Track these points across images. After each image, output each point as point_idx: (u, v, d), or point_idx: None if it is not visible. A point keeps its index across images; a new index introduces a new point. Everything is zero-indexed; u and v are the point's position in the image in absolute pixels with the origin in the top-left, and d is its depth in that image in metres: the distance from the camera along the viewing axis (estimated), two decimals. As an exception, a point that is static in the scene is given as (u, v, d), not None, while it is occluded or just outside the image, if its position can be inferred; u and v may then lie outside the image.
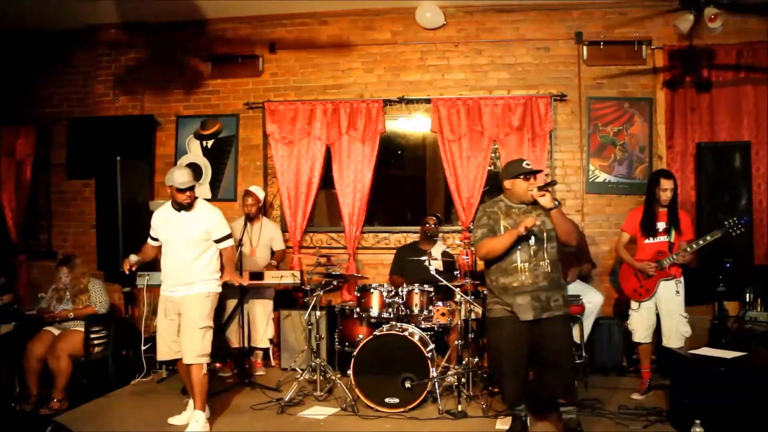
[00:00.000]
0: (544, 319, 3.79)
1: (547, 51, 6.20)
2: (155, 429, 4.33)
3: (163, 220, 4.44)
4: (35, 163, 6.87)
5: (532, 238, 3.83)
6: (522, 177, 3.88)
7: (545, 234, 3.86)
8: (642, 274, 4.79)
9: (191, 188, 4.32)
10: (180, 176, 4.26)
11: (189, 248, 4.31)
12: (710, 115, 5.88)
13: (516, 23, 6.23)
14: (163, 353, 4.39)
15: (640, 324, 4.87)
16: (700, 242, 4.65)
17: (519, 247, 3.82)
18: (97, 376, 5.20)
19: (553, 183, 3.92)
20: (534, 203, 3.85)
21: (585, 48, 6.11)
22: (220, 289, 4.47)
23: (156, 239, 4.50)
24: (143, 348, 5.53)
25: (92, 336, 5.21)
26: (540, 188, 3.79)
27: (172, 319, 4.31)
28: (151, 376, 5.58)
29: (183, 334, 4.26)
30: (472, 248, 4.19)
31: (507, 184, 3.97)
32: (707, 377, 3.81)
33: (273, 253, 5.95)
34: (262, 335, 5.78)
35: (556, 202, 3.80)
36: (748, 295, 5.32)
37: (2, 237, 6.83)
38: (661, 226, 4.79)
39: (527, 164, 3.91)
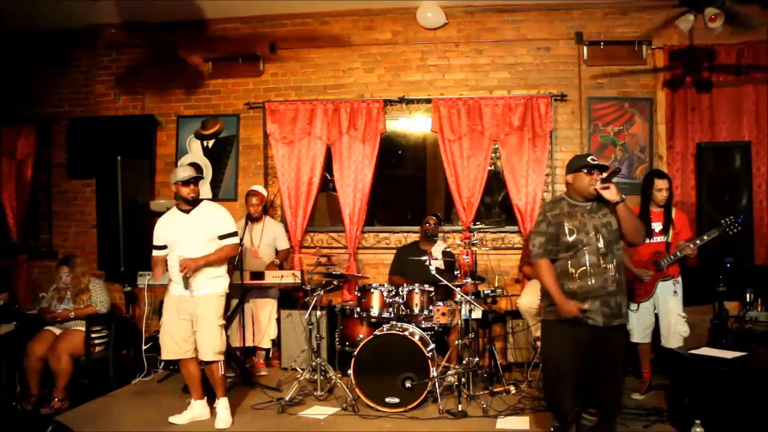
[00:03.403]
0: (611, 326, 3.57)
1: (547, 51, 6.20)
2: (156, 429, 4.34)
3: (169, 224, 4.46)
4: (36, 162, 6.87)
5: (601, 240, 3.58)
6: (585, 171, 3.62)
7: (612, 235, 3.61)
8: (638, 279, 4.80)
9: (194, 181, 4.37)
10: (182, 171, 4.40)
11: (199, 249, 4.32)
12: (711, 115, 5.88)
13: (516, 23, 6.23)
14: (171, 352, 4.41)
15: (638, 325, 4.87)
16: (698, 242, 4.66)
17: (588, 249, 3.57)
18: (98, 376, 5.20)
19: (617, 171, 3.63)
20: (598, 200, 3.62)
21: (585, 48, 6.11)
22: (227, 289, 4.55)
23: (162, 247, 4.48)
24: (144, 348, 5.55)
25: (93, 336, 5.21)
26: (603, 180, 3.55)
27: (185, 319, 4.34)
28: (152, 375, 5.59)
29: (200, 333, 4.32)
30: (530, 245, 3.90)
31: (569, 178, 3.72)
32: (707, 377, 3.81)
33: (277, 252, 5.96)
34: (265, 335, 5.79)
35: (622, 196, 3.55)
36: (748, 295, 5.31)
37: (3, 237, 6.83)
38: (657, 226, 4.80)
39: (592, 159, 3.64)
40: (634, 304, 4.86)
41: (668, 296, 4.76)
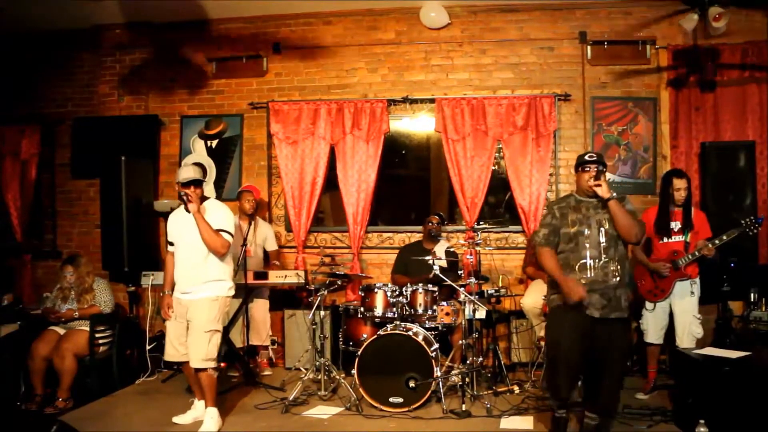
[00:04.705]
0: (611, 319, 3.65)
1: (551, 51, 6.19)
2: (160, 428, 4.34)
3: (176, 221, 4.43)
4: (40, 162, 6.87)
5: (603, 234, 3.68)
6: (584, 169, 3.77)
7: (617, 231, 3.69)
8: (657, 274, 4.78)
9: (194, 183, 4.24)
10: (183, 172, 4.28)
11: (198, 249, 4.26)
12: (715, 115, 5.87)
13: (520, 23, 6.22)
14: (169, 354, 4.39)
15: (653, 325, 4.85)
16: (716, 242, 4.62)
17: (588, 243, 3.68)
18: (102, 376, 5.22)
19: (601, 171, 3.72)
20: (598, 196, 3.71)
21: (589, 48, 6.10)
22: (231, 293, 4.42)
23: (172, 243, 4.45)
24: (148, 347, 5.58)
25: (97, 335, 5.22)
26: (594, 178, 3.67)
27: (181, 322, 4.30)
28: (156, 375, 5.61)
29: (189, 337, 4.24)
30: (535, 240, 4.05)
31: (576, 177, 3.90)
32: (712, 377, 3.81)
33: (266, 253, 5.97)
34: (264, 334, 5.79)
35: (614, 194, 3.66)
36: (752, 294, 5.30)
37: (7, 237, 6.84)
38: (675, 225, 4.78)
39: (590, 156, 3.81)
40: (651, 304, 4.85)
41: (685, 296, 4.74)
